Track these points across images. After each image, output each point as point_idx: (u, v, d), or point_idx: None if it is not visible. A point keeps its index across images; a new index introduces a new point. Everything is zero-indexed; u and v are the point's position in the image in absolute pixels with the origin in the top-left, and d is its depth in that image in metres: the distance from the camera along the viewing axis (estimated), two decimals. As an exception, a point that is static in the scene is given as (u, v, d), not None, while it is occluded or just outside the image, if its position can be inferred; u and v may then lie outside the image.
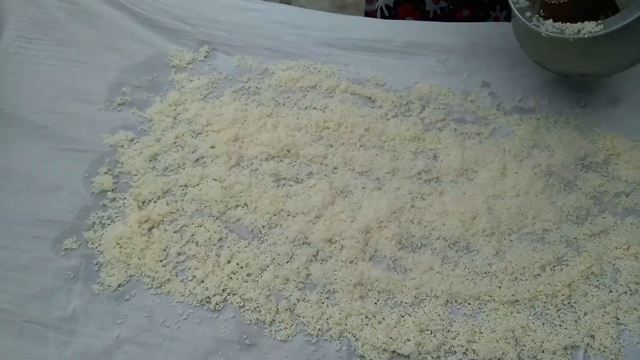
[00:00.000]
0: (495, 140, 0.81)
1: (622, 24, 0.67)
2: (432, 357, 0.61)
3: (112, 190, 0.75)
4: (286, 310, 0.65)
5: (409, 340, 0.62)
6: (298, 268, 0.68)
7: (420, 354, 0.61)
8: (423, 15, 1.02)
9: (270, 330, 0.63)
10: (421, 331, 0.63)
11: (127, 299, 0.66)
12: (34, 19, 0.92)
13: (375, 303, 0.65)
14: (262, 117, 0.84)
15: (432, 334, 0.62)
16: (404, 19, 1.04)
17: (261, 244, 0.70)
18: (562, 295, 0.65)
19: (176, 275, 0.68)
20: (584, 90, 0.86)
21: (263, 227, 0.72)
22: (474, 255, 0.69)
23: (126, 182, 0.76)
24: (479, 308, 0.65)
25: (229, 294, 0.66)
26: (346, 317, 0.64)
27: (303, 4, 2.06)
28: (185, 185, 0.76)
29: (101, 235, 0.70)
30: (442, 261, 0.69)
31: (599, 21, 0.70)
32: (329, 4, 2.06)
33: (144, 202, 0.74)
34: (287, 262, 0.69)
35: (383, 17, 1.06)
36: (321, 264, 0.69)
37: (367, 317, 0.64)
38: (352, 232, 0.71)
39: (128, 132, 0.81)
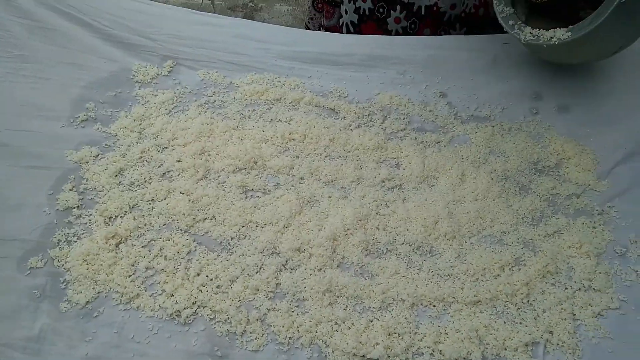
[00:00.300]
0: (454, 148, 0.85)
1: (587, 31, 0.74)
2: (401, 359, 0.63)
3: (78, 206, 0.74)
4: (257, 320, 0.66)
5: (377, 344, 0.63)
6: (267, 278, 0.69)
7: (389, 357, 0.63)
8: (385, 34, 1.06)
9: (242, 341, 0.64)
10: (389, 335, 0.64)
11: (96, 316, 0.65)
12: (-7, 36, 0.91)
13: (344, 309, 0.67)
14: (228, 130, 0.85)
15: (400, 337, 0.64)
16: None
17: (230, 255, 0.71)
18: (521, 294, 0.68)
19: (145, 290, 0.68)
20: (536, 99, 0.91)
21: (232, 238, 0.73)
22: (437, 259, 0.72)
23: (92, 199, 0.76)
24: (444, 309, 0.67)
25: (199, 306, 0.66)
26: (316, 324, 0.65)
27: (266, 18, 2.09)
28: (152, 200, 0.76)
29: (67, 252, 0.70)
30: (407, 265, 0.71)
31: (569, 27, 0.76)
32: (292, 18, 2.09)
33: (110, 217, 0.74)
34: (256, 273, 0.70)
35: (348, 32, 1.09)
36: (290, 272, 0.70)
37: (336, 323, 0.66)
38: (320, 241, 0.72)
39: (92, 148, 0.81)
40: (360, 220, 0.75)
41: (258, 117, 0.88)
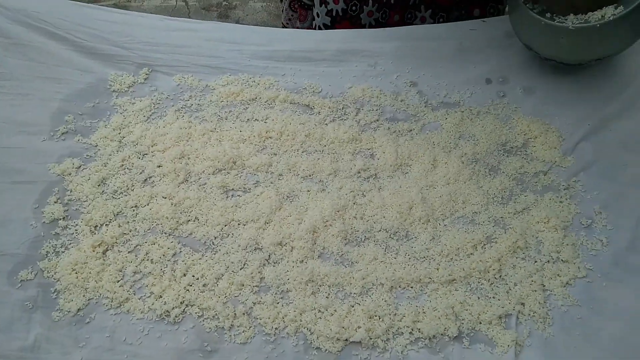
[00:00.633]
0: (425, 135, 0.88)
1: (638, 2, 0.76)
2: (382, 341, 0.66)
3: (63, 218, 0.77)
4: (243, 314, 0.69)
5: (359, 327, 0.67)
6: (252, 273, 0.72)
7: (370, 338, 0.66)
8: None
9: (230, 335, 0.67)
10: (370, 317, 0.68)
11: (88, 322, 0.68)
12: (-32, 56, 0.92)
13: (326, 297, 0.70)
14: (206, 132, 0.87)
15: (381, 319, 0.68)
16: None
17: (214, 254, 0.74)
18: (493, 270, 0.71)
19: (134, 294, 0.70)
20: (502, 82, 0.94)
21: (215, 238, 0.76)
22: (413, 242, 0.75)
23: (77, 209, 0.78)
24: (421, 290, 0.70)
25: (187, 305, 0.69)
26: (300, 314, 0.68)
27: (241, 15, 2.10)
28: (136, 206, 0.79)
29: (56, 263, 0.72)
30: (385, 251, 0.74)
31: (615, 5, 0.80)
32: (266, 14, 2.10)
33: (96, 226, 0.76)
34: (240, 269, 0.73)
35: None
36: (273, 266, 0.73)
37: (320, 311, 0.69)
38: (301, 234, 0.75)
39: (74, 159, 0.83)
40: (338, 211, 0.78)
41: (235, 118, 0.90)
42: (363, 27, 1.07)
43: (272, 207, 0.78)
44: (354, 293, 0.70)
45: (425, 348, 0.66)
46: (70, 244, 0.75)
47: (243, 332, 0.67)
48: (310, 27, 1.16)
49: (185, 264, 0.73)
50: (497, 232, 0.75)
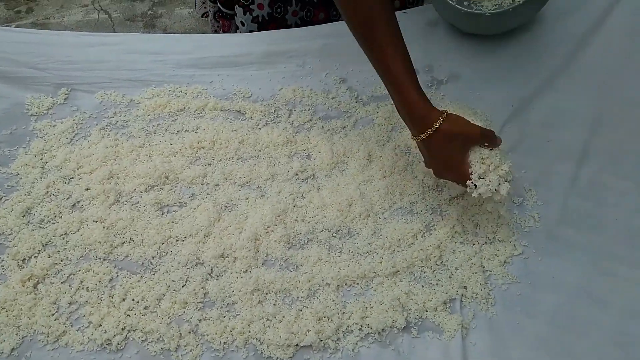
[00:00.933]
0: (359, 131, 0.88)
1: None
2: (332, 341, 0.66)
3: (-13, 254, 0.72)
4: (189, 332, 0.67)
5: (309, 331, 0.66)
6: (195, 289, 0.70)
7: (321, 340, 0.66)
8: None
9: (177, 356, 0.65)
10: (319, 319, 0.67)
11: (24, 361, 0.64)
12: None
13: (273, 304, 0.69)
14: (134, 149, 0.84)
15: (329, 319, 0.67)
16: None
17: (154, 274, 0.72)
18: (435, 257, 0.72)
19: (71, 326, 0.67)
20: (428, 71, 0.96)
21: (153, 257, 0.73)
22: (355, 239, 0.75)
23: (1, 243, 0.74)
24: (367, 285, 0.71)
25: (129, 331, 0.67)
26: (248, 325, 0.67)
27: (168, 24, 2.05)
28: (65, 233, 0.75)
29: (-17, 303, 0.68)
30: (329, 250, 0.74)
31: None
32: (194, 20, 2.06)
33: (23, 259, 0.72)
34: (182, 287, 0.71)
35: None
36: (217, 280, 0.72)
37: (267, 319, 0.68)
38: (242, 243, 0.74)
39: (-6, 191, 0.78)
40: (279, 216, 0.77)
41: (164, 131, 0.88)
42: (289, 27, 1.06)
43: (211, 219, 0.76)
44: (301, 297, 0.70)
45: (375, 343, 0.66)
46: (-3, 281, 0.70)
47: (190, 351, 0.65)
48: None
49: (124, 288, 0.70)
50: (435, 219, 0.77)
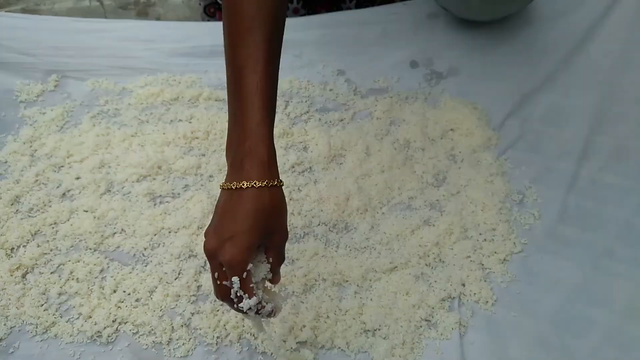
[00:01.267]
0: (357, 124, 0.86)
1: None
2: (328, 337, 0.64)
3: (-27, 243, 0.70)
4: (182, 326, 0.65)
5: (304, 326, 0.65)
6: (187, 282, 0.68)
7: (316, 336, 0.64)
8: None
9: (169, 350, 0.63)
10: (315, 315, 0.66)
11: (12, 352, 0.62)
12: None
13: (268, 299, 0.68)
14: (126, 138, 0.82)
15: (325, 315, 0.66)
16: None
17: (146, 266, 0.70)
18: (433, 253, 0.71)
19: (61, 317, 0.65)
20: (428, 65, 0.94)
21: (145, 249, 0.71)
22: (353, 234, 0.74)
23: (-12, 232, 0.71)
24: (363, 281, 0.69)
25: (120, 323, 0.65)
26: (242, 319, 0.66)
27: (161, 12, 2.01)
28: (55, 223, 0.73)
29: (-31, 293, 0.66)
30: (325, 245, 0.73)
31: None
32: (188, 9, 2.03)
33: (12, 249, 0.70)
34: (175, 279, 0.69)
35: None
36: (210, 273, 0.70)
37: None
38: (237, 236, 0.72)
39: (-19, 179, 0.76)
40: (274, 209, 0.75)
41: (157, 120, 0.86)
42: None
43: (204, 210, 0.75)
44: (297, 291, 0.68)
45: (371, 339, 0.65)
46: (-16, 271, 0.68)
47: (183, 344, 0.64)
48: None
49: (115, 279, 0.68)
50: (434, 215, 0.75)
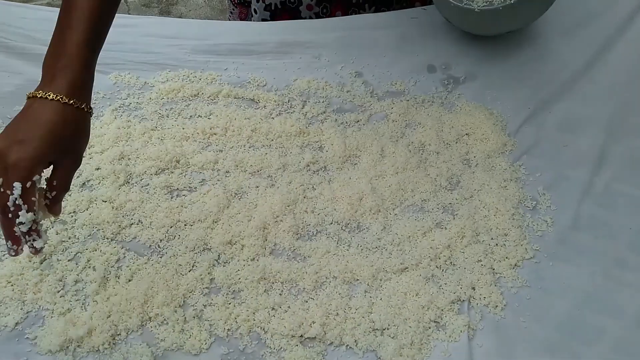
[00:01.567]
0: (372, 125, 0.87)
1: None
2: (337, 335, 0.65)
3: (-5, 228, 0.72)
4: (194, 317, 0.66)
5: (314, 322, 0.66)
6: (201, 274, 0.69)
7: (325, 333, 0.65)
8: None
9: (181, 340, 0.64)
10: (324, 312, 0.67)
11: (27, 336, 0.64)
12: None
13: (279, 294, 0.69)
14: (146, 131, 0.84)
15: (335, 313, 0.67)
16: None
17: (161, 257, 0.71)
18: (444, 256, 0.72)
19: (77, 302, 0.67)
20: (445, 69, 0.95)
21: (161, 240, 0.73)
22: (365, 233, 0.75)
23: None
24: (374, 280, 0.70)
25: (133, 312, 0.66)
26: (253, 313, 0.67)
27: (183, 11, 2.04)
28: (74, 212, 0.74)
29: (-11, 276, 0.67)
30: (337, 243, 0.74)
31: None
32: (209, 9, 2.06)
33: (31, 235, 0.72)
34: (189, 271, 0.70)
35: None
36: (224, 266, 0.71)
37: (273, 308, 0.67)
38: (251, 231, 0.73)
39: (5, 166, 0.78)
40: (288, 206, 0.77)
41: (177, 115, 0.87)
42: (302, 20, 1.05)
43: (220, 205, 0.76)
44: (308, 288, 0.69)
45: (380, 339, 0.65)
46: (4, 255, 0.70)
47: (194, 336, 0.65)
48: None
49: (130, 269, 0.69)
50: (446, 218, 0.76)
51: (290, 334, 0.65)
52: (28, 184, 0.48)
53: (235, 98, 0.90)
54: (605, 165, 0.81)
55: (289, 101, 0.90)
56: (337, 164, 0.82)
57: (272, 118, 0.88)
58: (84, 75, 0.52)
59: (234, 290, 0.69)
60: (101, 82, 0.90)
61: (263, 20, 1.05)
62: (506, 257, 0.72)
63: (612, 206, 0.77)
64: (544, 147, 0.84)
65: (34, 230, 0.51)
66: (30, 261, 0.69)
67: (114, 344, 0.64)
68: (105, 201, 0.75)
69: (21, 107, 0.84)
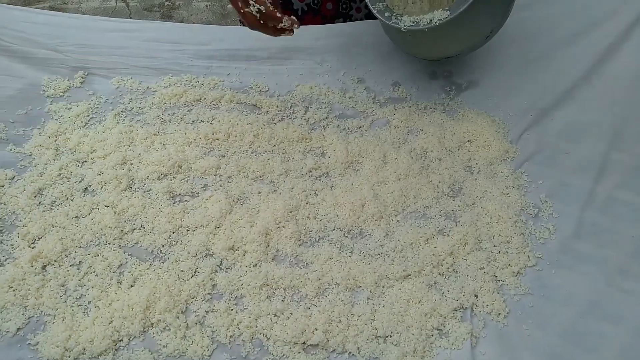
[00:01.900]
0: (375, 131, 0.87)
1: (466, 6, 0.74)
2: (340, 342, 0.65)
3: (-3, 233, 0.72)
4: (196, 324, 0.66)
5: (316, 329, 0.65)
6: (203, 280, 0.69)
7: (328, 340, 0.65)
8: (292, 14, 1.05)
9: (183, 346, 0.64)
10: (327, 319, 0.66)
11: (29, 342, 0.64)
12: None
13: (282, 300, 0.68)
14: (148, 136, 0.84)
15: (338, 320, 0.67)
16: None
17: (163, 263, 0.71)
18: (446, 263, 0.72)
19: (79, 307, 0.66)
20: (447, 76, 0.95)
21: (163, 246, 0.72)
22: (367, 240, 0.75)
23: (12, 223, 0.73)
24: (377, 287, 0.70)
25: (135, 318, 0.66)
26: (256, 319, 0.67)
27: (185, 16, 2.05)
28: (76, 217, 0.74)
29: (-10, 281, 0.67)
30: (339, 250, 0.73)
31: (446, 8, 0.77)
32: (211, 13, 2.06)
33: (33, 240, 0.72)
34: (191, 277, 0.70)
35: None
36: (226, 272, 0.71)
37: (275, 315, 0.67)
38: (253, 237, 0.73)
39: (7, 170, 0.78)
40: (291, 212, 0.77)
41: (179, 120, 0.87)
42: (295, 11, 1.05)
43: (222, 210, 0.76)
44: (310, 295, 0.69)
45: (382, 346, 0.65)
46: (6, 260, 0.70)
47: (196, 342, 0.64)
48: None
49: (132, 275, 0.69)
50: (449, 225, 0.76)
51: (293, 340, 0.65)
52: None
53: (237, 103, 0.90)
54: (607, 173, 0.81)
55: (291, 107, 0.90)
56: (340, 170, 0.82)
57: (275, 123, 0.88)
58: None
59: (236, 297, 0.69)
60: (104, 86, 0.90)
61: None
62: (509, 265, 0.72)
63: (615, 214, 0.77)
64: (545, 155, 0.84)
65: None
66: (32, 266, 0.69)
67: (115, 350, 0.64)
68: (108, 206, 0.75)
69: (23, 111, 0.85)
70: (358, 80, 0.95)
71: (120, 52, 0.94)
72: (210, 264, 0.71)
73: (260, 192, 0.79)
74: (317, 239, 0.75)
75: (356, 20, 1.06)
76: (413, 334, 0.65)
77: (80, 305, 0.67)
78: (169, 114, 0.88)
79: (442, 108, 0.91)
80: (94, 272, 0.69)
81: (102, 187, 0.77)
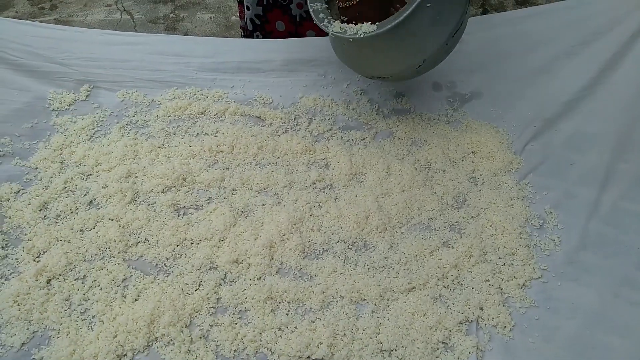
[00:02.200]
0: (378, 143, 0.87)
1: (394, 23, 0.70)
2: (345, 356, 0.65)
3: (2, 247, 0.72)
4: (200, 338, 0.66)
5: (321, 343, 0.65)
6: (207, 294, 0.69)
7: (333, 354, 0.65)
8: (291, 19, 1.06)
9: (187, 360, 0.64)
10: (331, 332, 0.66)
11: (33, 358, 0.63)
12: None
13: (286, 314, 0.68)
14: (153, 149, 0.84)
15: (342, 333, 0.66)
16: (274, 25, 1.06)
17: (167, 276, 0.71)
18: (451, 275, 0.71)
19: (83, 322, 0.66)
20: (450, 87, 0.95)
21: (167, 259, 0.73)
22: (371, 252, 0.74)
23: (17, 237, 0.73)
24: (381, 300, 0.70)
25: (139, 332, 0.66)
26: (260, 333, 0.66)
27: (189, 28, 2.06)
28: (81, 230, 0.75)
29: (-5, 295, 0.67)
30: (344, 262, 0.73)
31: (377, 23, 0.73)
32: (215, 25, 2.07)
33: (38, 254, 0.72)
34: (195, 290, 0.70)
35: (254, 27, 1.08)
36: (230, 285, 0.71)
37: (280, 329, 0.67)
38: (257, 250, 0.73)
39: (12, 184, 0.78)
40: (295, 224, 0.76)
41: (183, 133, 0.88)
42: (294, 18, 1.05)
43: (226, 223, 0.76)
44: (314, 308, 0.69)
45: (387, 359, 0.65)
46: (10, 274, 0.70)
47: (200, 356, 0.64)
48: (246, 25, 1.13)
49: (137, 288, 0.69)
50: (453, 237, 0.76)
51: (298, 355, 0.64)
52: None
53: (241, 116, 0.91)
54: (612, 183, 0.81)
55: (295, 119, 0.91)
56: (343, 182, 0.82)
57: (278, 136, 0.88)
58: None
59: (240, 310, 0.69)
60: (108, 99, 0.91)
61: (256, 15, 1.05)
62: (514, 277, 0.71)
63: (620, 225, 0.76)
64: (550, 165, 0.84)
65: None
66: (36, 280, 0.69)
67: (120, 364, 0.64)
68: (112, 219, 0.75)
69: (29, 125, 0.85)
70: (361, 91, 0.95)
71: (125, 65, 0.95)
72: (214, 277, 0.71)
73: (264, 205, 0.79)
74: (321, 252, 0.75)
75: None
76: (418, 348, 0.65)
77: (84, 320, 0.67)
78: (173, 127, 0.88)
79: (446, 119, 0.91)
80: (99, 286, 0.69)
81: (106, 200, 0.78)
